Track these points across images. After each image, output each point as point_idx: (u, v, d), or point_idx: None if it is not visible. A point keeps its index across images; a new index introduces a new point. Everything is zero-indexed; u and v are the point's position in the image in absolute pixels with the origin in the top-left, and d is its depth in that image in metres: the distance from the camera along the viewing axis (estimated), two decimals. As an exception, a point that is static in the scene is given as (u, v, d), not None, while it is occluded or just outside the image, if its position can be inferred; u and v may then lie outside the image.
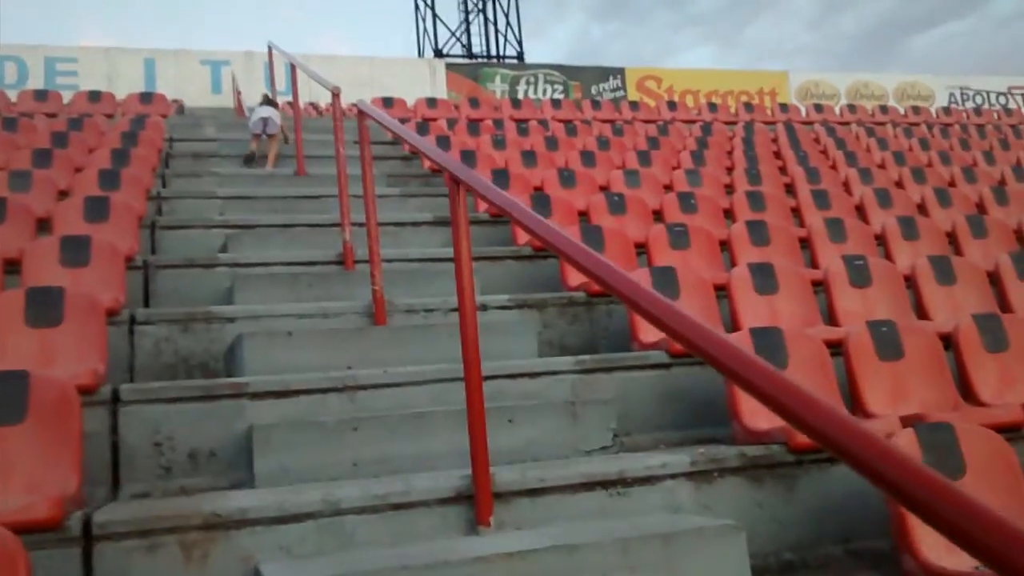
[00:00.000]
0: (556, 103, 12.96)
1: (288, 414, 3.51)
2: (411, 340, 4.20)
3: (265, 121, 9.07)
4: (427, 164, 8.45)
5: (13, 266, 4.66)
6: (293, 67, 8.26)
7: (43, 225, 5.43)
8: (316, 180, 7.55)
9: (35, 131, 8.20)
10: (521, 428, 3.43)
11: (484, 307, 4.77)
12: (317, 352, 4.03)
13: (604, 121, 11.73)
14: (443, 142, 8.81)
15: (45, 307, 3.78)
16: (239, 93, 16.56)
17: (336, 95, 5.60)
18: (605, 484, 3.00)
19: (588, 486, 2.99)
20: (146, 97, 11.19)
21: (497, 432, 3.31)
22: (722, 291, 4.86)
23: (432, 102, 12.27)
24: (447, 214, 6.80)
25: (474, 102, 12.48)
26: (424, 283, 5.18)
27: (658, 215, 6.63)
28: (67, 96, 20.95)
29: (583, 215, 6.46)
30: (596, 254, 2.18)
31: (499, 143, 9.01)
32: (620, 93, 28.92)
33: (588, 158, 8.40)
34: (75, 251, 4.63)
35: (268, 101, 9.59)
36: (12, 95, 21.06)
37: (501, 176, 7.25)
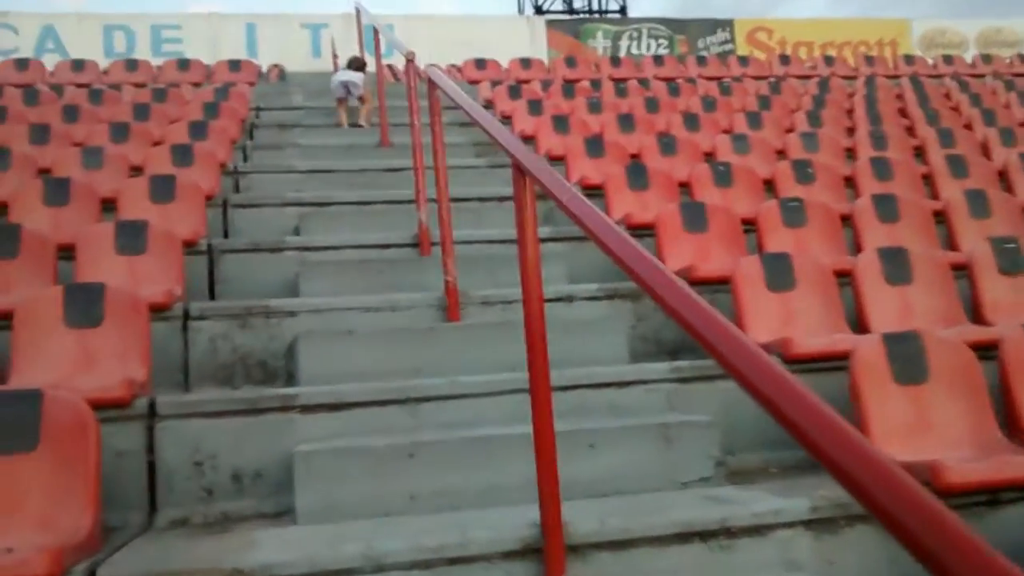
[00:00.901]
0: (658, 60, 12.21)
1: (341, 430, 3.11)
2: (486, 339, 3.74)
3: (346, 85, 8.66)
4: (518, 130, 7.95)
5: (68, 252, 4.39)
6: (375, 31, 7.83)
7: (108, 206, 5.17)
8: (400, 151, 7.12)
9: (119, 103, 8.04)
10: (604, 454, 2.93)
11: (570, 298, 4.27)
12: (380, 354, 3.62)
13: (710, 79, 10.94)
14: (535, 106, 8.27)
15: (85, 305, 3.46)
16: (336, 57, 16.30)
17: (410, 61, 5.13)
18: (704, 535, 2.49)
19: (683, 537, 2.48)
20: (234, 65, 10.99)
21: (576, 459, 2.84)
22: (845, 278, 4.24)
23: (526, 63, 11.69)
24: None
25: (571, 61, 11.84)
26: (507, 268, 4.68)
27: (770, 186, 5.96)
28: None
29: (685, 187, 5.85)
30: (651, 260, 1.69)
31: (595, 106, 8.41)
32: (729, 47, 27.58)
33: (691, 121, 7.73)
34: (131, 237, 4.33)
35: (355, 64, 9.16)
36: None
37: (595, 144, 6.68)
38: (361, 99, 8.59)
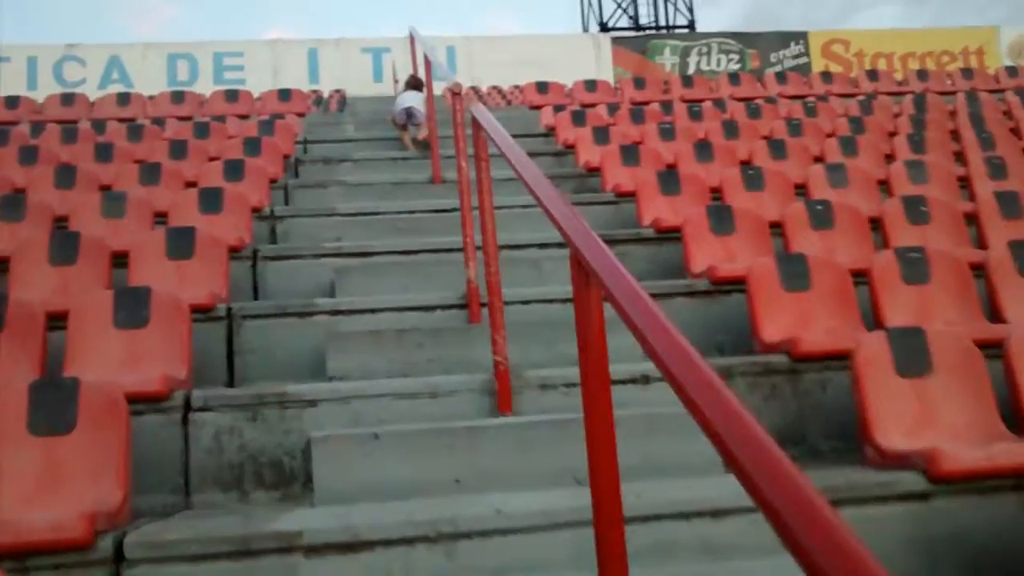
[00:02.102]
0: (734, 78, 11.37)
1: (356, 579, 2.41)
2: (543, 440, 3.02)
3: (408, 112, 8.12)
4: (583, 161, 7.23)
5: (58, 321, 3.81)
6: (427, 59, 7.20)
7: (120, 262, 4.60)
8: (453, 189, 6.45)
9: (157, 140, 7.55)
10: (701, 628, 2.18)
11: (646, 379, 3.52)
12: (411, 462, 2.93)
13: (792, 97, 10.07)
14: (601, 134, 7.54)
15: (50, 406, 2.84)
16: (396, 82, 15.83)
17: (456, 94, 4.45)
18: None
19: None
20: (284, 94, 10.51)
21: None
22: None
23: (591, 85, 10.96)
24: (610, 229, 5.61)
25: (639, 82, 11.07)
26: (569, 335, 3.96)
27: (876, 226, 5.13)
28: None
29: (776, 229, 5.05)
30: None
31: (667, 132, 7.64)
32: (803, 60, 26.44)
33: (777, 148, 6.92)
34: (131, 307, 3.72)
35: (414, 84, 8.56)
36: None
37: (669, 178, 5.92)
38: (419, 127, 8.05)
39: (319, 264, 5.01)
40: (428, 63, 7.19)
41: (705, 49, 26.30)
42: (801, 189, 6.00)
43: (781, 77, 11.51)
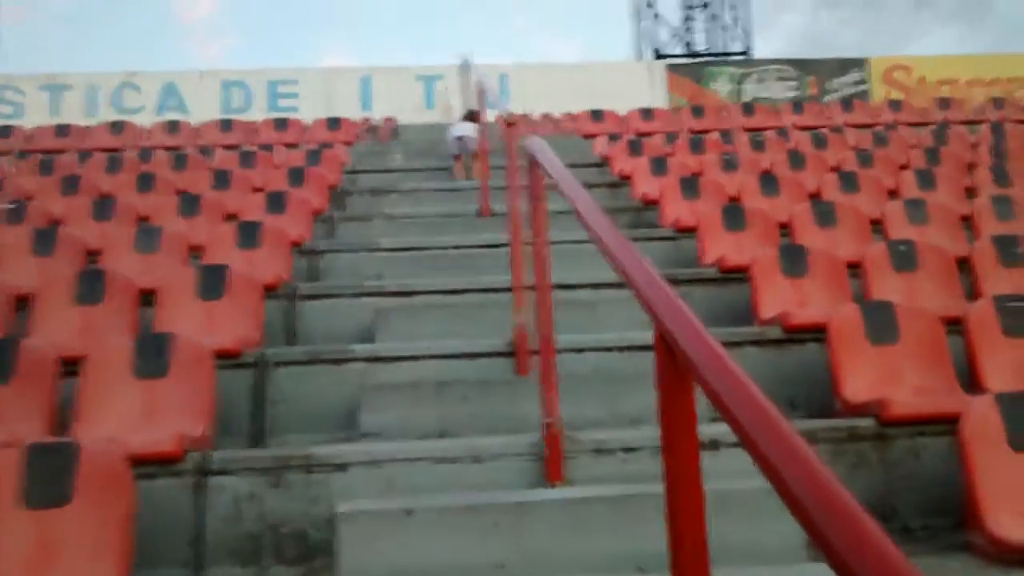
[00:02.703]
0: (797, 106, 10.93)
1: None
2: (600, 521, 2.65)
3: (461, 140, 7.99)
4: (639, 193, 6.87)
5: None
6: (480, 87, 6.92)
7: (148, 299, 4.34)
8: (502, 223, 6.13)
9: (201, 169, 7.37)
10: None
11: (715, 445, 3.12)
12: (449, 543, 2.57)
13: (858, 127, 9.60)
14: (659, 165, 7.17)
15: (46, 474, 2.55)
16: (450, 108, 15.67)
17: (511, 124, 4.13)
18: None
19: None
20: (333, 123, 10.33)
21: None
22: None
23: (647, 113, 10.60)
24: (670, 267, 5.23)
25: (697, 111, 10.69)
26: (629, 390, 3.61)
27: (965, 267, 4.68)
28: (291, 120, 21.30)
29: (853, 270, 4.63)
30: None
31: (729, 163, 7.24)
32: (863, 87, 25.81)
33: (848, 181, 6.48)
34: (151, 354, 3.44)
35: (470, 116, 8.49)
36: (242, 119, 21.64)
37: (734, 213, 5.52)
38: (475, 156, 7.85)
39: (359, 304, 4.70)
40: (482, 92, 6.90)
41: (762, 76, 25.82)
42: (877, 226, 5.56)
43: (847, 104, 11.05)
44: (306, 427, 3.78)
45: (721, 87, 25.26)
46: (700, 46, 27.83)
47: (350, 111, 23.14)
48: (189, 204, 6.01)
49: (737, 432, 1.17)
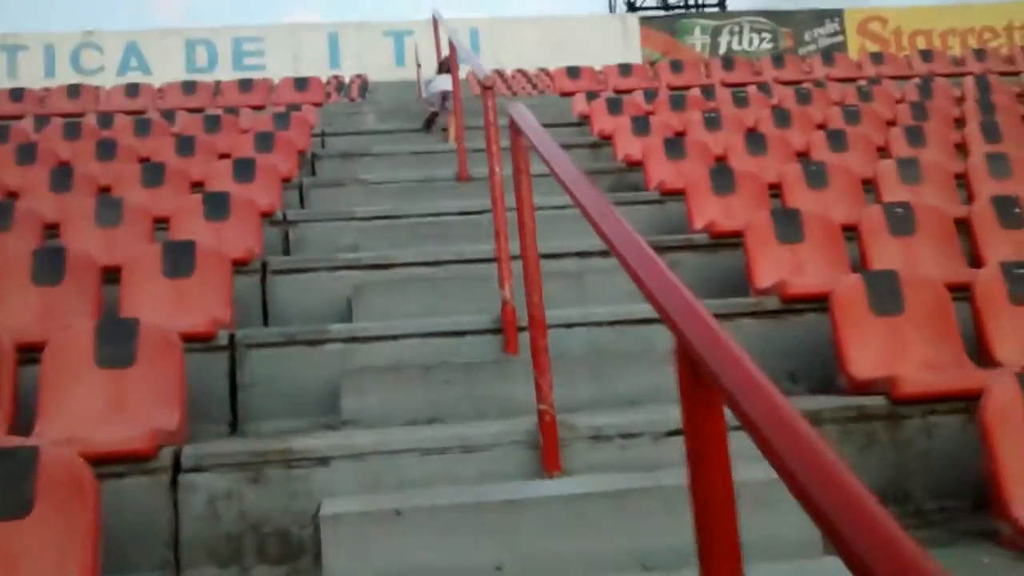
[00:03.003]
0: (777, 60, 10.68)
1: None
2: (602, 516, 2.48)
3: (444, 95, 7.73)
4: (621, 154, 6.65)
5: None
6: (452, 45, 6.64)
7: (112, 277, 4.10)
8: (482, 187, 5.90)
9: (164, 136, 7.05)
10: None
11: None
12: (442, 544, 2.40)
13: (841, 80, 9.41)
14: (641, 124, 6.95)
15: (4, 484, 2.34)
16: (419, 67, 15.26)
17: (488, 88, 3.89)
18: None
19: None
20: (301, 83, 9.95)
21: None
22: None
23: (626, 69, 10.34)
24: (658, 233, 5.04)
25: (676, 65, 10.43)
26: (623, 368, 3.44)
27: (963, 228, 4.54)
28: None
29: (850, 231, 4.46)
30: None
31: (712, 122, 7.03)
32: (839, 39, 25.57)
33: (836, 140, 6.30)
34: (116, 341, 3.21)
35: (448, 68, 8.12)
36: (208, 79, 20.99)
37: (722, 175, 5.33)
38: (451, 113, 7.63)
39: (335, 278, 4.48)
40: (453, 52, 6.62)
41: (737, 28, 25.50)
42: (869, 186, 5.39)
43: (828, 58, 10.81)
44: (284, 412, 3.58)
45: (696, 40, 24.91)
46: (673, -2, 27.42)
47: (318, 69, 22.57)
48: (153, 173, 5.73)
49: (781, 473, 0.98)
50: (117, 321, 3.36)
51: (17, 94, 9.39)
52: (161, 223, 4.95)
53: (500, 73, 17.37)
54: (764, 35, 25.38)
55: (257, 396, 3.61)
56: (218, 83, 10.49)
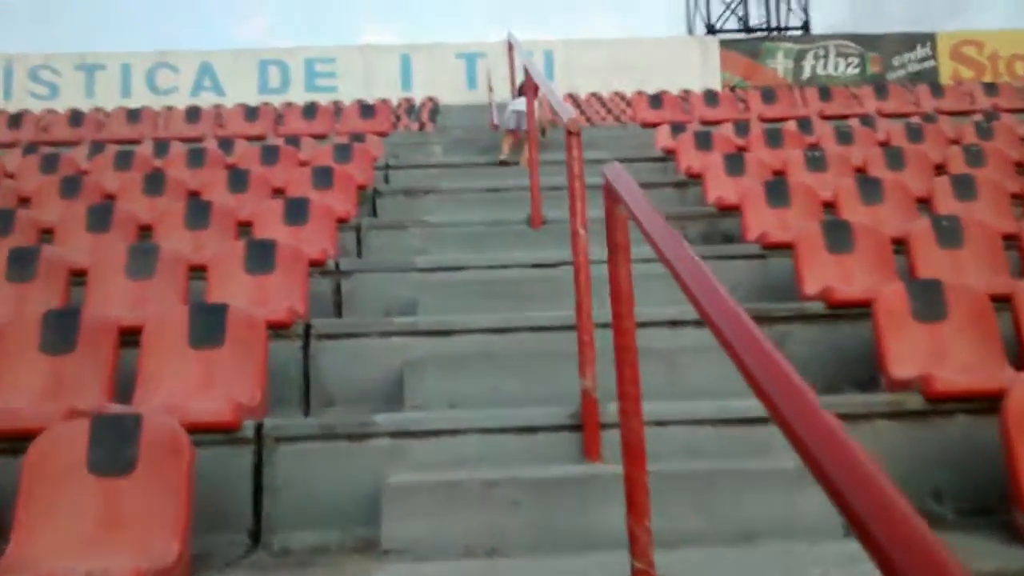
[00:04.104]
0: (880, 90, 9.78)
1: None
2: None
3: (519, 115, 7.28)
4: (713, 196, 5.95)
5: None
6: (528, 74, 6.03)
7: (131, 339, 3.57)
8: (556, 235, 5.27)
9: (216, 168, 6.58)
10: None
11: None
12: None
13: (953, 114, 8.54)
14: (735, 162, 6.23)
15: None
16: (491, 91, 14.74)
17: (573, 134, 3.25)
18: None
19: None
20: (367, 110, 9.42)
21: None
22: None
23: (712, 98, 9.59)
24: (761, 299, 4.35)
25: (768, 94, 9.64)
26: (733, 487, 2.75)
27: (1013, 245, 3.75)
28: (325, 100, 20.37)
29: (1003, 305, 3.71)
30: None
31: (815, 162, 6.28)
32: (930, 64, 24.34)
33: (962, 187, 5.50)
34: (114, 445, 2.65)
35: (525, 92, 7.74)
36: (277, 100, 20.83)
37: (839, 230, 4.59)
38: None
39: (387, 347, 3.90)
40: (529, 78, 6.01)
41: (822, 52, 24.49)
42: (1011, 241, 4.61)
43: (937, 90, 9.88)
44: (318, 523, 2.98)
45: (778, 64, 23.96)
46: (756, 20, 26.53)
47: (389, 90, 22.35)
48: (195, 214, 5.22)
49: None
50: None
51: (77, 119, 9.08)
52: (198, 271, 4.44)
53: (574, 97, 16.81)
54: (851, 59, 24.31)
55: (286, 501, 3.01)
56: (281, 111, 10.06)
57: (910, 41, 24.87)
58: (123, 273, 4.37)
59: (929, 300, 3.60)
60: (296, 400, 3.82)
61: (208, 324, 3.49)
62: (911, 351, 3.43)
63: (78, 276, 4.50)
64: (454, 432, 3.09)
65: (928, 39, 24.85)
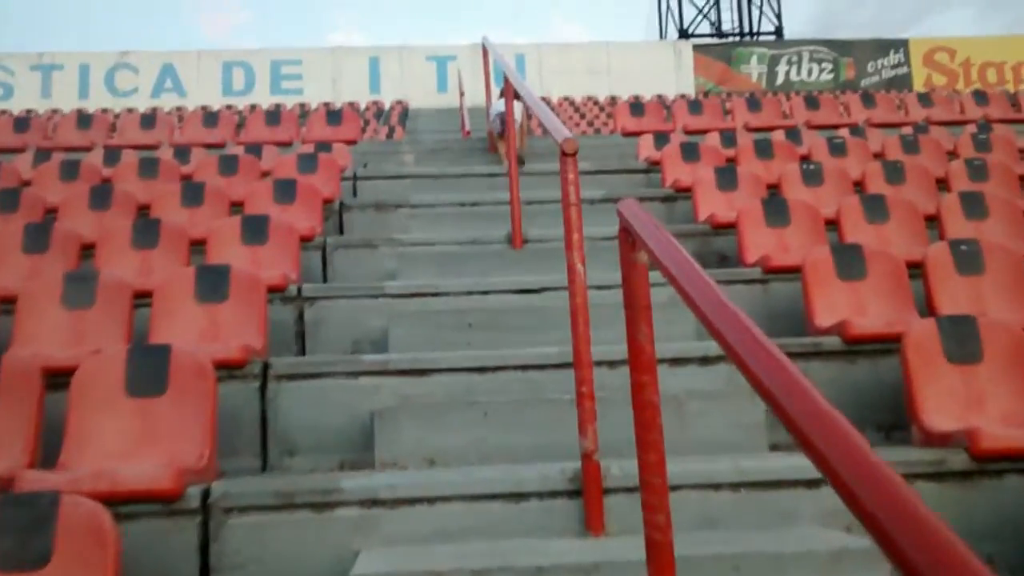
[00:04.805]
0: (868, 98, 9.45)
1: None
2: None
3: (502, 116, 6.94)
4: (704, 214, 5.57)
5: None
6: (506, 79, 5.61)
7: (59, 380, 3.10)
8: (539, 255, 4.86)
9: (170, 181, 6.09)
10: None
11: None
12: None
13: (943, 123, 8.23)
14: (726, 177, 5.86)
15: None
16: (462, 95, 14.31)
17: (570, 155, 2.83)
18: None
19: None
20: (334, 116, 8.94)
21: None
22: None
23: (696, 106, 9.20)
24: (773, 331, 3.96)
25: (754, 103, 9.27)
26: (761, 570, 2.35)
27: None
28: (291, 102, 19.78)
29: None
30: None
31: (811, 176, 5.91)
32: (903, 70, 24.24)
33: (973, 205, 5.16)
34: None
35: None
36: (241, 103, 20.18)
37: (849, 255, 4.21)
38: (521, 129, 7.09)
39: (356, 387, 3.45)
40: (510, 88, 5.59)
41: (796, 58, 24.41)
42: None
43: (925, 99, 9.57)
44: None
45: (752, 69, 23.82)
46: (729, 25, 26.36)
47: (358, 93, 21.86)
48: (145, 232, 4.75)
49: None
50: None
51: (22, 124, 8.51)
52: (143, 298, 3.97)
53: (547, 101, 16.43)
54: (824, 65, 24.22)
55: (236, 583, 2.56)
56: (245, 114, 9.53)
57: (883, 47, 24.83)
58: (59, 302, 3.89)
59: (962, 338, 3.23)
60: (252, 450, 3.37)
61: (148, 368, 3.03)
62: (948, 398, 3.08)
63: (7, 304, 4.02)
64: (433, 500, 2.65)
65: (901, 45, 24.84)
